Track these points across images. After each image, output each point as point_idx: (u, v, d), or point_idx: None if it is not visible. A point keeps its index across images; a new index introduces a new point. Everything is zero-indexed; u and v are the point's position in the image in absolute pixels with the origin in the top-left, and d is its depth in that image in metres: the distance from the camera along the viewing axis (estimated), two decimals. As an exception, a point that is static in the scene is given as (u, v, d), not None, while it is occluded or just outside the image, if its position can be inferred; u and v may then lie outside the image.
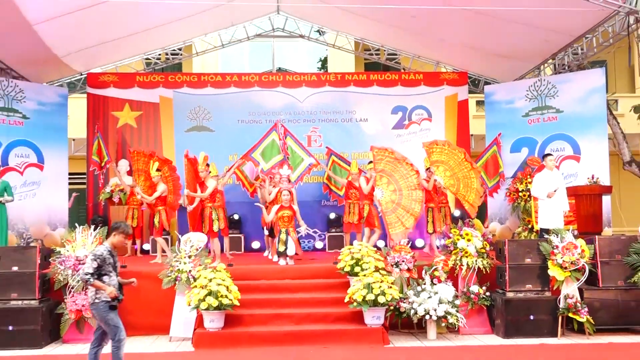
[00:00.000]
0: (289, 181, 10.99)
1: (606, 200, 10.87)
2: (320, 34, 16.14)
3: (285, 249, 9.80)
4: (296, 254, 9.95)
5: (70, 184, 13.22)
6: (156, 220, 10.66)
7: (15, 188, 11.03)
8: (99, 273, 5.58)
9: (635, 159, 13.02)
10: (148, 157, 11.29)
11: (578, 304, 8.06)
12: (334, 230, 13.18)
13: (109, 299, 5.59)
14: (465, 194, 10.66)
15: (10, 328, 7.92)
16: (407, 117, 14.14)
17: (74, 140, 15.07)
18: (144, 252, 12.35)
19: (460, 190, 10.68)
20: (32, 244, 11.38)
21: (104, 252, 5.68)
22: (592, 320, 8.08)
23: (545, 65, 13.47)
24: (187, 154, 10.35)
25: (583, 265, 8.13)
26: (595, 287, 8.41)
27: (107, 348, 5.91)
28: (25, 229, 11.98)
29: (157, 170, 10.78)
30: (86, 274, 5.52)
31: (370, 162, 10.79)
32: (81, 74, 14.10)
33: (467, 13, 10.95)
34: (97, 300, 5.61)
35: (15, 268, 8.20)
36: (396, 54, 14.95)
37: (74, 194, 13.20)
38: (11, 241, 10.92)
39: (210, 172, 10.39)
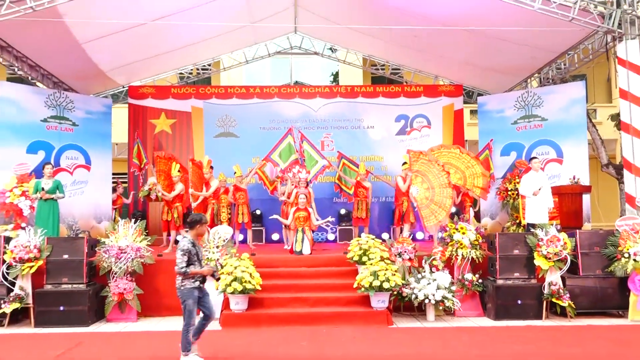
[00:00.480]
0: (307, 185, 10.99)
1: (586, 198, 10.79)
2: (332, 51, 16.16)
3: (302, 249, 9.80)
4: (310, 253, 9.91)
5: (113, 182, 13.32)
6: (175, 215, 10.72)
7: (66, 186, 11.13)
8: (187, 264, 5.59)
9: (612, 162, 12.93)
10: (168, 160, 11.37)
11: (561, 290, 8.02)
12: (344, 224, 13.20)
13: (195, 285, 5.62)
14: (474, 181, 10.58)
15: (62, 308, 8.01)
16: (409, 125, 14.12)
17: (116, 144, 15.18)
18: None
19: (467, 180, 10.61)
20: (80, 235, 11.46)
21: (188, 245, 5.64)
22: (573, 305, 8.04)
23: (532, 78, 13.40)
24: (193, 159, 10.76)
25: (565, 256, 8.08)
26: (576, 276, 8.35)
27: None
28: (75, 222, 12.09)
29: (178, 171, 10.85)
30: (181, 269, 5.56)
31: (404, 163, 10.79)
32: (123, 87, 14.23)
33: (463, 33, 10.91)
34: (182, 287, 5.64)
35: (65, 256, 8.29)
36: (399, 69, 14.93)
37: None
38: (62, 233, 11.03)
39: (235, 173, 10.42)
